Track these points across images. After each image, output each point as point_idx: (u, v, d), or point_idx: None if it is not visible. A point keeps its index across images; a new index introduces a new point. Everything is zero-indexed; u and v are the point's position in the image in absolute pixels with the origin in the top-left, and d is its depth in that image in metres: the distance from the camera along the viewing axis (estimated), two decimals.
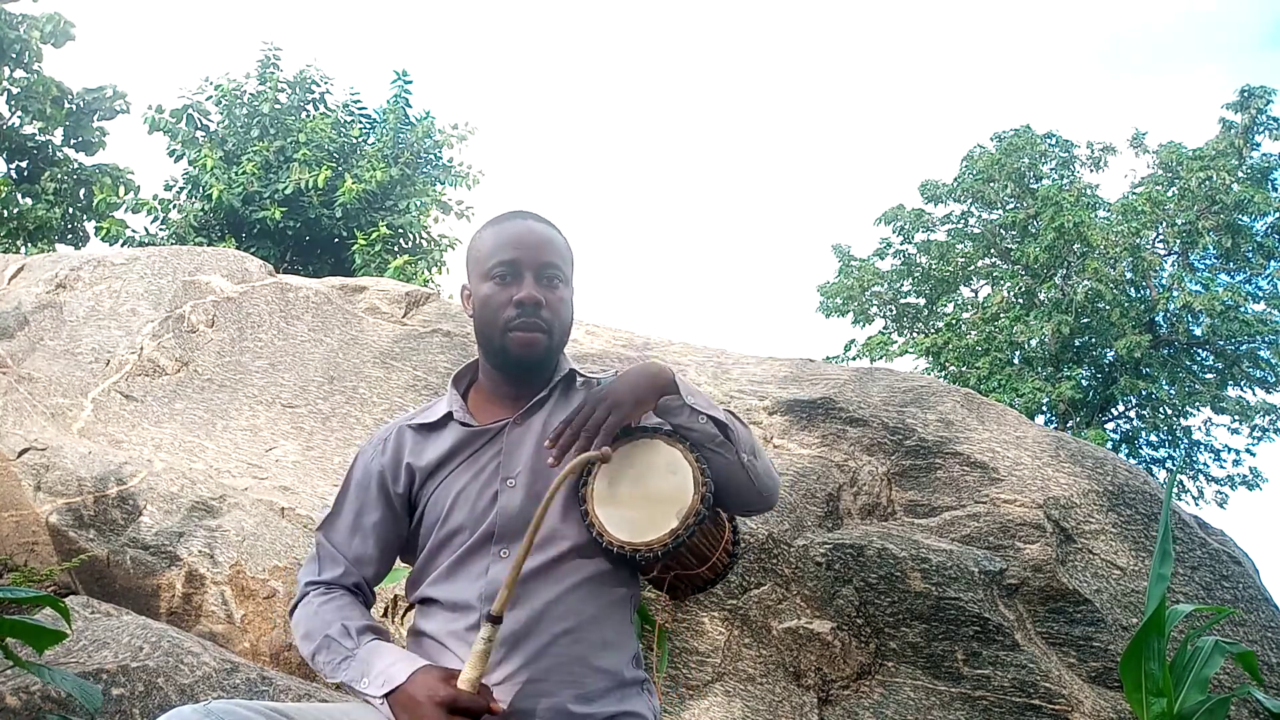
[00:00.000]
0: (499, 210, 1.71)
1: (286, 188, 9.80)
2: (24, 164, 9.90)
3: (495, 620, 1.37)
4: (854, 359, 16.33)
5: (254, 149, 10.10)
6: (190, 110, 10.50)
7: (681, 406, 1.53)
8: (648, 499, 1.49)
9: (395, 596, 2.92)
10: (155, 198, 10.34)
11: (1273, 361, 15.04)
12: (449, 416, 1.62)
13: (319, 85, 11.00)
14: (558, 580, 1.48)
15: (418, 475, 1.59)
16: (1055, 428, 9.03)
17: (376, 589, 1.68)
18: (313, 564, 1.62)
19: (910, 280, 17.01)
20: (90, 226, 10.06)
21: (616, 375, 1.60)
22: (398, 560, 1.70)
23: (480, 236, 1.64)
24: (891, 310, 17.25)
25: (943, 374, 15.30)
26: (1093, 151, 16.49)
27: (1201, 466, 15.68)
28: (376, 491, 1.61)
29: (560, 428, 1.52)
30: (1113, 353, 14.79)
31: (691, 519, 1.45)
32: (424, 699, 1.35)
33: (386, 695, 1.39)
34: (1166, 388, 14.95)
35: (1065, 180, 16.02)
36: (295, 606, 1.60)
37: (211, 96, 10.61)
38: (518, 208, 1.65)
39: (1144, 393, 14.94)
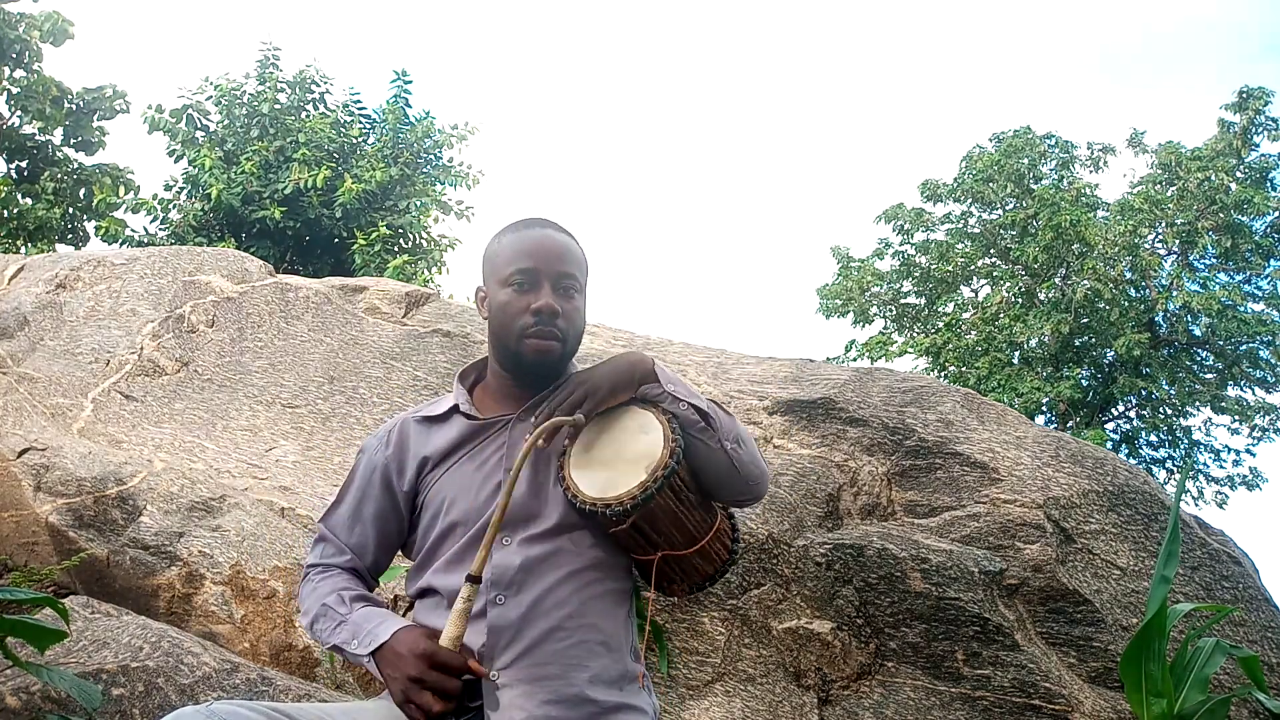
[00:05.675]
0: (502, 212, 1.73)
1: (286, 188, 9.80)
2: (24, 164, 9.89)
3: (474, 580, 1.43)
4: (854, 359, 16.34)
5: (253, 149, 10.10)
6: (190, 110, 10.50)
7: (662, 394, 1.57)
8: (620, 458, 1.52)
9: (395, 596, 2.92)
10: (155, 197, 10.34)
11: (1272, 361, 15.04)
12: (454, 410, 1.66)
13: (319, 85, 10.99)
14: (555, 568, 1.50)
15: (415, 465, 1.63)
16: (1055, 428, 9.03)
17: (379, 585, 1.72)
18: (315, 549, 1.69)
19: (910, 280, 17.01)
20: (90, 226, 10.07)
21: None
22: (397, 557, 1.71)
23: (498, 242, 1.66)
24: (891, 310, 17.24)
25: (943, 374, 15.30)
26: (1092, 152, 16.47)
27: (1201, 466, 15.69)
28: (380, 485, 1.65)
29: (543, 411, 1.57)
30: (1112, 352, 14.78)
31: (660, 471, 1.47)
32: (405, 652, 1.42)
33: (372, 653, 1.46)
34: (1166, 388, 14.94)
35: (1064, 180, 16.01)
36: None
37: (211, 96, 10.61)
38: (535, 215, 1.68)
39: (1144, 393, 14.94)
